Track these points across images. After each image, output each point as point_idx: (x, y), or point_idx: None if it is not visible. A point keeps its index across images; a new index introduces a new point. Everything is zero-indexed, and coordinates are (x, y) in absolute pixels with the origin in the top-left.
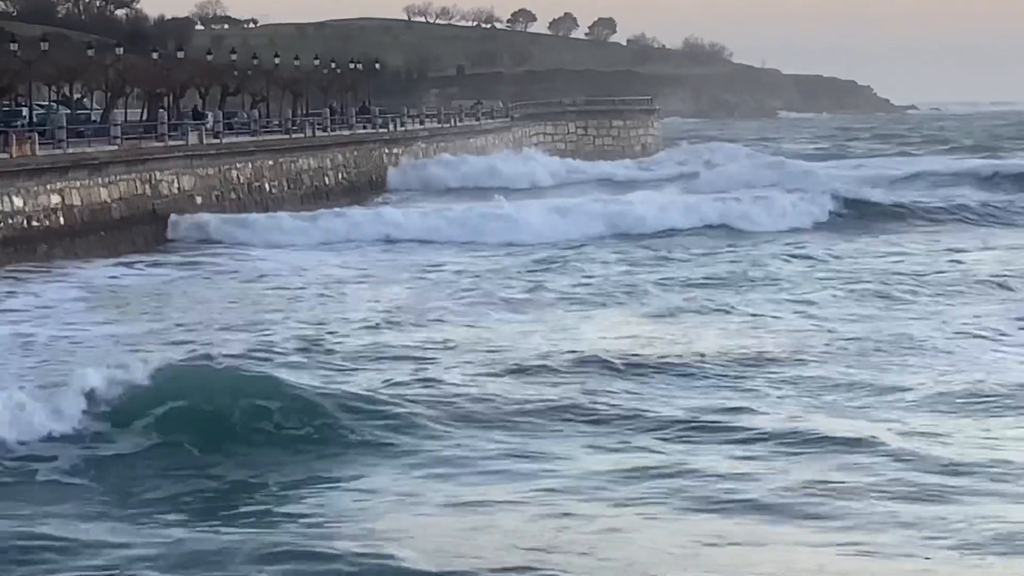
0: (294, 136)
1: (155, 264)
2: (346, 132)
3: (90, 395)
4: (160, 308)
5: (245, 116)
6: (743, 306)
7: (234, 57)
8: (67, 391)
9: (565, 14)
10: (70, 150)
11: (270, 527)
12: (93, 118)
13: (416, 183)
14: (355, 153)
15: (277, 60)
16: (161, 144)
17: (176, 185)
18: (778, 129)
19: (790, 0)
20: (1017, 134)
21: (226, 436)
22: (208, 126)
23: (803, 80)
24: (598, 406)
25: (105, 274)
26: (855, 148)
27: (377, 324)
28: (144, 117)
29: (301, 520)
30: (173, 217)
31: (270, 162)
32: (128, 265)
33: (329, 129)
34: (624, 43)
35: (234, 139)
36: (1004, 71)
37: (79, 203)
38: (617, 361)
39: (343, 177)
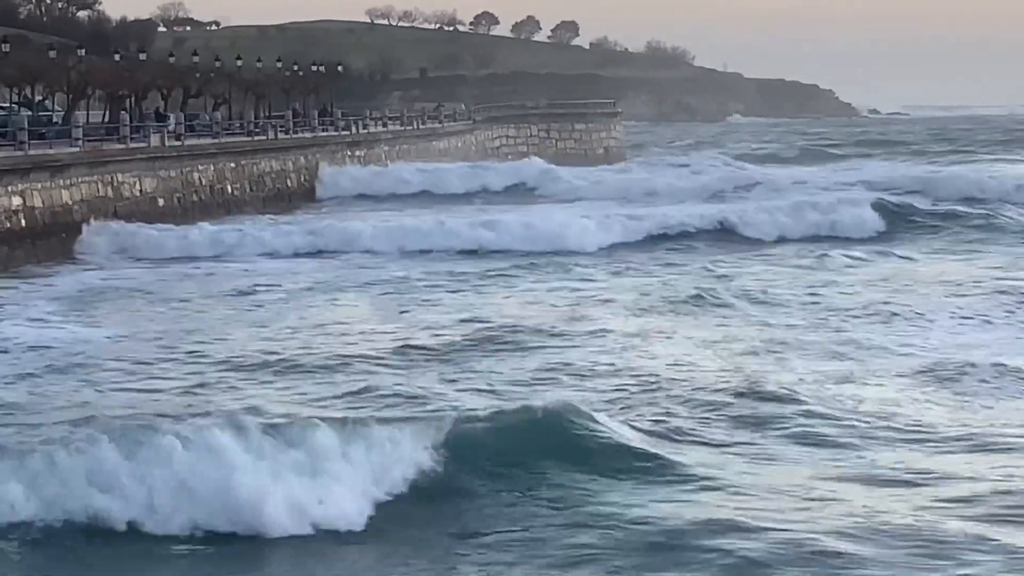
0: (256, 138)
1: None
2: (308, 134)
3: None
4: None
5: (207, 118)
6: None
7: (196, 59)
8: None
9: (528, 17)
10: (31, 152)
11: None
12: (55, 120)
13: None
14: (318, 155)
15: (239, 62)
16: (123, 146)
17: (138, 187)
18: (725, 134)
19: (753, 4)
20: (960, 136)
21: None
22: (170, 128)
23: (765, 84)
24: None
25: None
26: (787, 155)
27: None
28: (106, 119)
29: None
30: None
31: (232, 164)
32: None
33: (291, 131)
34: (587, 46)
35: (196, 141)
36: (969, 77)
37: (40, 205)
38: None
39: (305, 179)
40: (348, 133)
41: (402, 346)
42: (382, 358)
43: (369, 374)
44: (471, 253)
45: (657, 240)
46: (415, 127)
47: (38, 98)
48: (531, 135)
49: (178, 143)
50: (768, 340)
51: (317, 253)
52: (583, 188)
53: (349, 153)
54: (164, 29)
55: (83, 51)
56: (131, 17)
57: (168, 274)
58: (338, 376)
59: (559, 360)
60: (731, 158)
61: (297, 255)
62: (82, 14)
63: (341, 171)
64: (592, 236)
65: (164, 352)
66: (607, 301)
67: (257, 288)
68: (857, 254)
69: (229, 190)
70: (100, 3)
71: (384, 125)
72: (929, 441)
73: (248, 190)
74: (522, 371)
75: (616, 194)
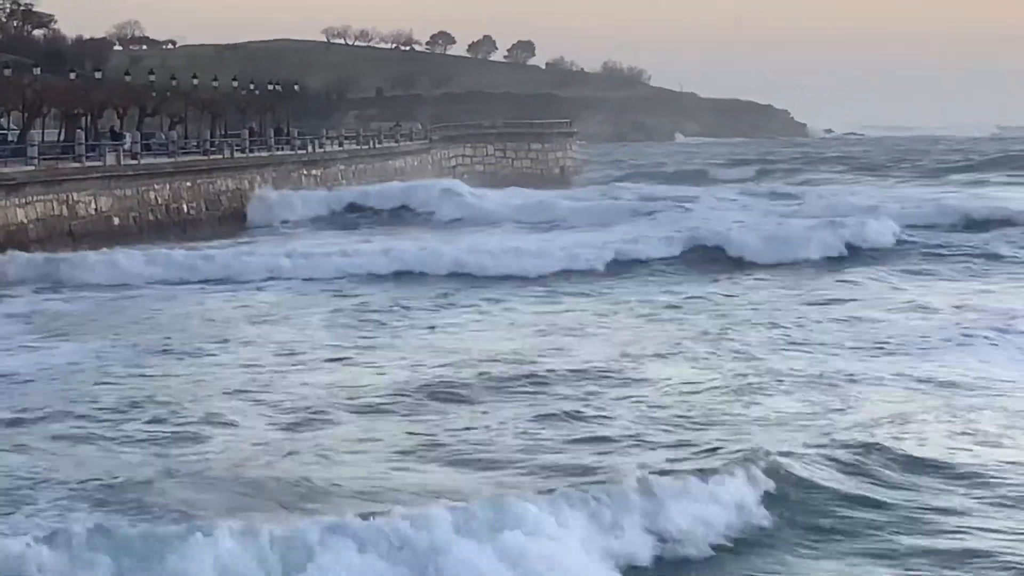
0: (212, 157)
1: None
2: (265, 153)
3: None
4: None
5: (163, 137)
6: None
7: (152, 78)
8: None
9: (484, 37)
10: None
11: None
12: (10, 138)
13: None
14: (274, 174)
15: (195, 81)
16: (79, 165)
17: (93, 206)
18: (671, 154)
19: (709, 25)
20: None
21: None
22: (126, 147)
23: (720, 104)
24: None
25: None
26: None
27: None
28: (62, 138)
29: None
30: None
31: (188, 183)
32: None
33: (248, 150)
34: (543, 66)
35: (152, 160)
36: (926, 98)
37: None
38: None
39: None
40: (304, 152)
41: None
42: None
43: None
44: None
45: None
46: (371, 146)
47: None
48: (487, 154)
49: (134, 162)
50: None
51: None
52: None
53: (305, 172)
54: (120, 48)
55: (38, 69)
56: (87, 36)
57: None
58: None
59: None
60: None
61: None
62: (37, 32)
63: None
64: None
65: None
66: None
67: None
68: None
69: (185, 209)
70: (55, 21)
71: (340, 144)
72: None
73: (204, 209)
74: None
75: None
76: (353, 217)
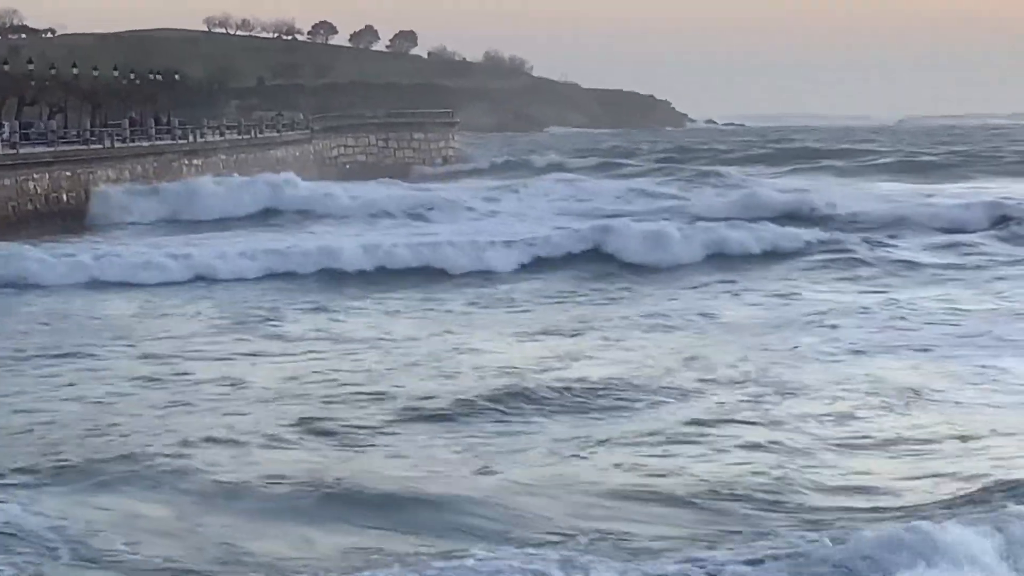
0: (92, 147)
1: None
2: (146, 143)
3: None
4: None
5: (43, 126)
6: None
7: (31, 67)
8: None
9: (366, 27)
10: None
11: None
12: None
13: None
14: (155, 164)
15: (75, 70)
16: None
17: None
18: (531, 144)
19: (591, 15)
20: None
21: None
22: (4, 136)
23: (602, 94)
24: None
25: None
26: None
27: None
28: None
29: None
30: None
31: (68, 173)
32: None
33: (128, 140)
34: (425, 56)
35: (31, 150)
36: (809, 87)
37: None
38: None
39: None
40: (186, 142)
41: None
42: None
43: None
44: None
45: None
46: (253, 136)
47: None
48: (369, 144)
49: (12, 151)
50: None
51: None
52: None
53: (187, 162)
54: None
55: None
56: None
57: None
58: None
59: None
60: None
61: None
62: None
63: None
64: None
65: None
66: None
67: None
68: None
69: (65, 199)
70: None
71: (222, 134)
72: None
73: (84, 199)
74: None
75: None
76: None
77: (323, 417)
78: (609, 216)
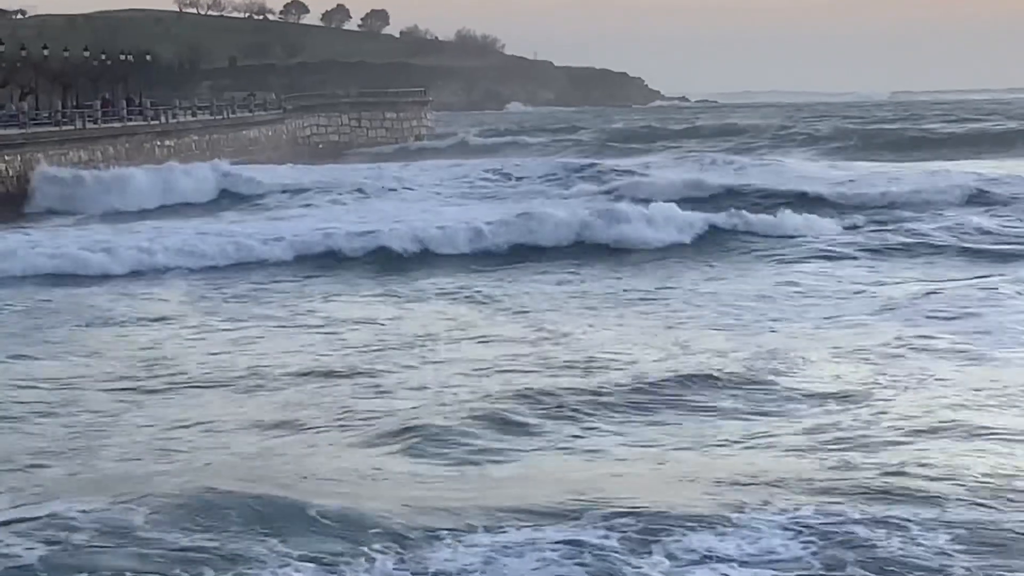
0: (64, 128)
1: None
2: (117, 124)
3: None
4: None
5: (14, 108)
6: None
7: (2, 48)
8: None
9: (338, 6)
10: None
11: None
12: None
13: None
14: (127, 145)
15: (46, 51)
16: None
17: None
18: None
19: None
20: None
21: None
22: None
23: (575, 72)
24: None
25: None
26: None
27: None
28: None
29: None
30: None
31: (40, 155)
32: None
33: (100, 121)
34: (397, 35)
35: (2, 131)
36: (779, 62)
37: None
38: None
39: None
40: (158, 123)
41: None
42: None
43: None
44: None
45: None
46: (225, 116)
47: None
48: (342, 124)
49: None
50: None
51: None
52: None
53: (159, 143)
54: None
55: None
56: None
57: None
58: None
59: None
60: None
61: None
62: None
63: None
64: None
65: None
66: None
67: None
68: None
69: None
70: None
71: (194, 115)
72: None
73: None
74: None
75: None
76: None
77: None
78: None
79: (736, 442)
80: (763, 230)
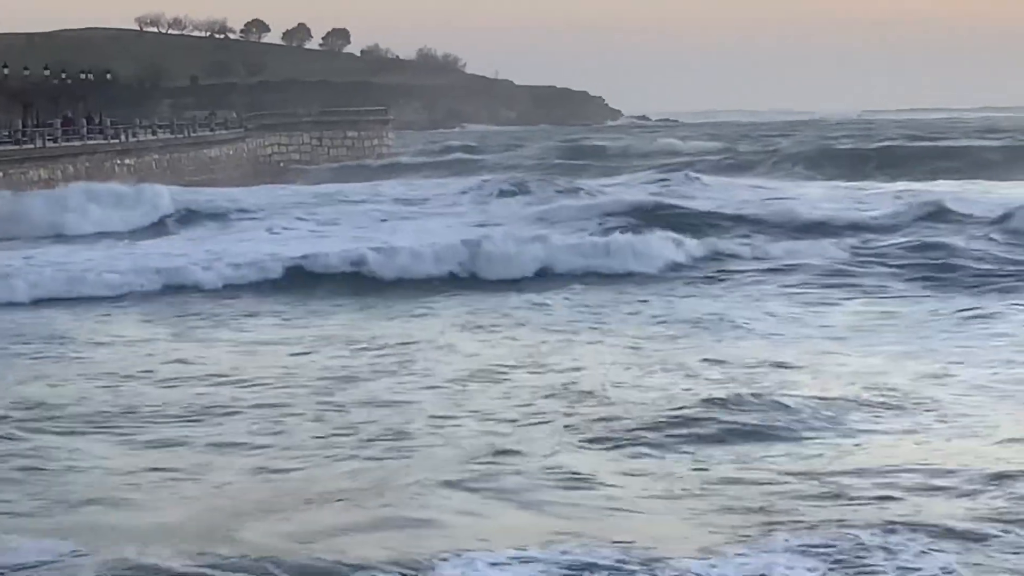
0: (24, 147)
1: None
2: (78, 143)
3: None
4: None
5: None
6: None
7: None
8: None
9: (299, 25)
10: None
11: None
12: None
13: None
14: (87, 164)
15: (6, 70)
16: None
17: None
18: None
19: (524, 11)
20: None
21: None
22: None
23: (536, 91)
24: None
25: None
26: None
27: None
28: None
29: None
30: None
31: (0, 174)
32: None
33: (60, 140)
34: (358, 53)
35: None
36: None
37: None
38: None
39: None
40: (118, 142)
41: None
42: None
43: None
44: None
45: None
46: (186, 135)
47: None
48: (303, 143)
49: None
50: None
51: None
52: None
53: (119, 162)
54: None
55: None
56: None
57: None
58: None
59: None
60: None
61: None
62: None
63: None
64: None
65: None
66: None
67: None
68: None
69: None
70: None
71: (154, 133)
72: None
73: None
74: None
75: None
76: None
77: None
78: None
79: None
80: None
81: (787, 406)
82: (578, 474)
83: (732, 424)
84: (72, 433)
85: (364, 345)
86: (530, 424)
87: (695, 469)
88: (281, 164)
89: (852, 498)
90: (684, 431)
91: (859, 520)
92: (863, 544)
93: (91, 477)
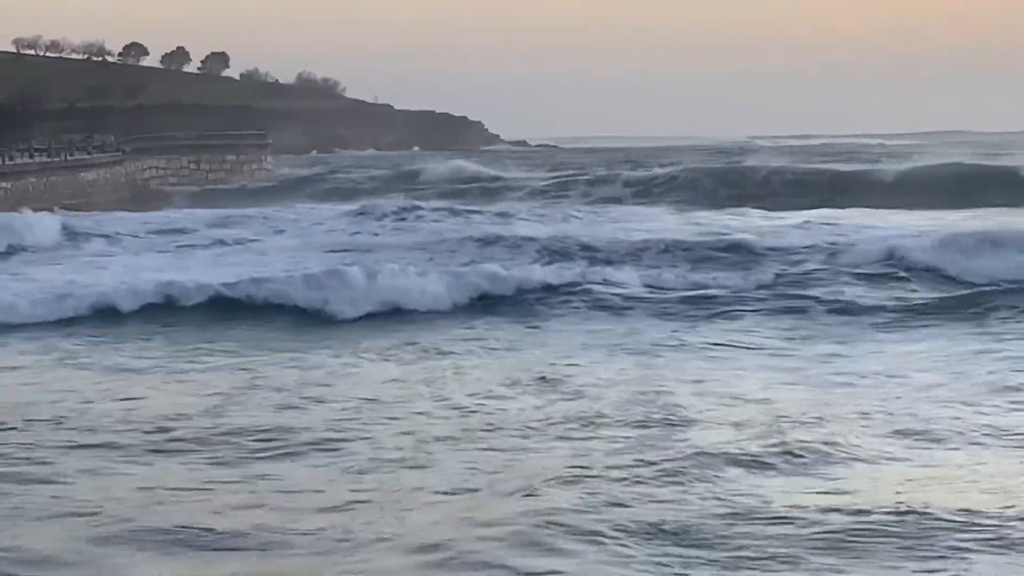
0: None
1: None
2: None
3: None
4: None
5: None
6: None
7: None
8: None
9: (177, 48)
10: None
11: None
12: None
13: None
14: None
15: None
16: None
17: None
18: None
19: (408, 37)
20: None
21: None
22: None
23: (415, 115)
24: None
25: None
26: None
27: None
28: None
29: None
30: None
31: None
32: None
33: None
34: (238, 77)
35: None
36: (625, 106)
37: None
38: None
39: None
40: None
41: None
42: None
43: None
44: None
45: None
46: (63, 158)
47: None
48: (181, 166)
49: None
50: None
51: None
52: None
53: None
54: None
55: None
56: None
57: None
58: None
59: None
60: None
61: None
62: None
63: None
64: None
65: None
66: None
67: None
68: None
69: None
70: None
71: (31, 156)
72: None
73: None
74: None
75: None
76: None
77: None
78: None
79: None
80: None
81: None
82: None
83: None
84: None
85: None
86: None
87: None
88: (159, 188)
89: None
90: None
91: None
92: None
93: None
